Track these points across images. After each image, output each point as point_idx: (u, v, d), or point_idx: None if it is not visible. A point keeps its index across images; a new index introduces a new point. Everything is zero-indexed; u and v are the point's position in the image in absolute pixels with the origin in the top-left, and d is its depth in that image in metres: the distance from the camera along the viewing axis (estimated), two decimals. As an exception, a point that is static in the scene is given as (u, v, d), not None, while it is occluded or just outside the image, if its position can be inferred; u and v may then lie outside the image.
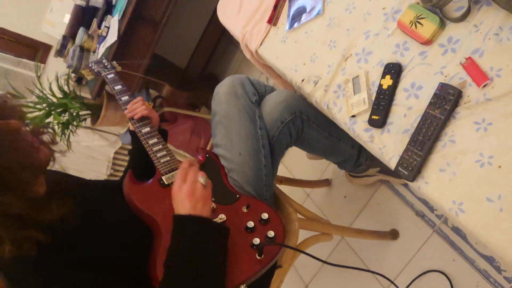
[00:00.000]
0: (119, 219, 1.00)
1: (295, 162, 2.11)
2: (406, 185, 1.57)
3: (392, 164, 0.91)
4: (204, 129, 2.81)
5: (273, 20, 1.36)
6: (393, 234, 1.54)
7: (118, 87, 1.31)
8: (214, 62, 2.93)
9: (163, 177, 1.10)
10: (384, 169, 1.53)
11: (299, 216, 1.28)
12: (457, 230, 1.37)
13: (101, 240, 0.90)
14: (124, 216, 1.02)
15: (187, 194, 0.89)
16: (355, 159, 1.45)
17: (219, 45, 2.79)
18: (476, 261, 1.31)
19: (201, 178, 0.93)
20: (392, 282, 1.25)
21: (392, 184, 1.61)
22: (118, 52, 2.02)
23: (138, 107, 1.22)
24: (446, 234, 1.40)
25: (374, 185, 1.67)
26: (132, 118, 1.21)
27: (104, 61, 1.43)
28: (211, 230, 0.90)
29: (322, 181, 1.87)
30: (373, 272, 1.21)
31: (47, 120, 2.39)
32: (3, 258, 0.75)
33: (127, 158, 3.26)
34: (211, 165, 1.19)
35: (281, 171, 2.01)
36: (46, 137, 0.88)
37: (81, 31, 2.23)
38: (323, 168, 1.93)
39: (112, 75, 1.36)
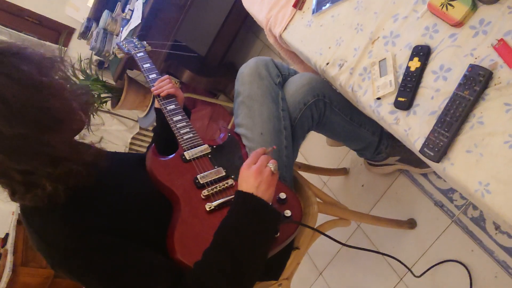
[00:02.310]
0: (140, 190, 1.02)
1: (313, 150, 2.12)
2: (425, 175, 1.56)
3: (417, 146, 0.90)
4: (222, 116, 2.82)
5: (298, 4, 1.36)
6: (411, 223, 1.54)
7: (147, 65, 1.35)
8: (233, 51, 2.94)
9: (185, 153, 1.11)
10: (404, 158, 1.52)
11: (318, 200, 1.28)
12: (476, 221, 1.37)
13: (120, 207, 0.92)
14: (146, 188, 1.04)
15: (254, 173, 0.90)
16: (375, 146, 1.45)
17: (239, 34, 2.79)
18: (495, 252, 1.30)
19: (272, 164, 0.94)
20: (409, 269, 1.25)
21: (411, 174, 1.61)
22: (141, 35, 2.04)
23: (165, 84, 1.25)
24: (465, 225, 1.39)
25: (393, 174, 1.66)
26: (158, 95, 1.24)
27: (134, 40, 1.47)
28: (267, 214, 0.90)
29: (339, 169, 1.87)
30: (389, 256, 1.21)
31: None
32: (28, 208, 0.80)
33: (144, 144, 3.30)
34: (232, 144, 1.20)
35: (298, 158, 2.01)
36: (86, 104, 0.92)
37: (105, 13, 2.25)
38: (341, 157, 1.93)
39: (141, 54, 1.40)
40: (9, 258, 2.74)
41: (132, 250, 0.86)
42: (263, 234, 0.89)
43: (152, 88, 1.26)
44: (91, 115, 0.94)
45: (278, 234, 0.97)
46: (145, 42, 1.48)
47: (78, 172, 0.82)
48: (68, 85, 0.87)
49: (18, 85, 0.75)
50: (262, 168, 0.92)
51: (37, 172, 0.77)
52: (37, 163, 0.77)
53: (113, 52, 1.52)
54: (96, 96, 2.47)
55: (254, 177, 0.90)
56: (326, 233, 1.26)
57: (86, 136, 0.94)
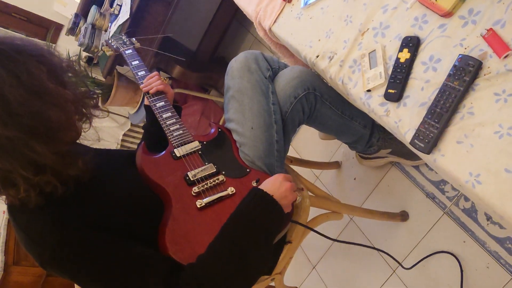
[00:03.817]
0: (131, 188, 1.01)
1: (305, 144, 2.11)
2: (417, 167, 1.56)
3: (407, 137, 0.90)
4: (214, 111, 2.81)
5: (288, -4, 1.35)
6: (403, 216, 1.54)
7: (136, 62, 1.34)
8: (224, 45, 2.91)
9: (175, 150, 1.10)
10: (396, 151, 1.52)
11: (310, 194, 1.28)
12: (468, 212, 1.37)
13: (110, 205, 0.91)
14: (136, 185, 1.03)
15: (287, 187, 0.95)
16: (367, 139, 1.45)
17: (230, 28, 2.77)
18: (487, 243, 1.31)
19: (299, 194, 1.03)
20: (398, 262, 1.25)
21: (402, 166, 1.61)
22: (130, 30, 2.02)
23: (154, 81, 1.23)
24: (457, 216, 1.39)
25: (385, 167, 1.66)
26: (147, 93, 1.22)
27: (123, 37, 1.45)
28: (281, 217, 0.93)
29: (332, 163, 1.87)
30: (380, 251, 1.22)
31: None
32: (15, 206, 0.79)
33: (135, 140, 3.28)
34: (223, 140, 1.19)
35: (290, 152, 2.00)
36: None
37: (93, 9, 2.22)
38: (333, 150, 1.92)
39: (130, 51, 1.38)
40: (1, 257, 2.72)
41: (122, 245, 0.85)
42: (272, 233, 0.91)
43: (141, 86, 1.24)
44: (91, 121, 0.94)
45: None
46: (134, 39, 1.46)
47: (55, 186, 0.80)
48: (76, 92, 0.86)
49: (24, 89, 0.74)
50: (292, 190, 0.96)
51: (15, 173, 0.75)
52: (18, 165, 0.75)
53: (101, 49, 1.49)
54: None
55: (285, 189, 0.94)
56: (319, 226, 1.26)
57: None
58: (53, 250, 0.79)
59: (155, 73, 1.27)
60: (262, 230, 0.88)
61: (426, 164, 1.53)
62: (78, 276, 0.82)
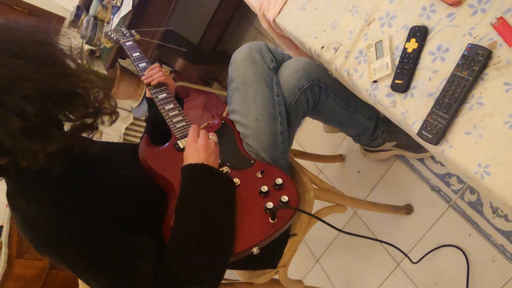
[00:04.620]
0: (131, 179, 1.00)
1: (309, 138, 2.10)
2: (422, 160, 1.55)
3: (414, 129, 0.88)
4: (216, 104, 2.79)
5: (292, -13, 1.33)
6: (408, 209, 1.53)
7: (136, 54, 1.33)
8: (227, 39, 2.90)
9: (178, 142, 1.10)
10: (400, 143, 1.51)
11: (314, 186, 1.27)
12: (473, 205, 1.36)
13: (108, 194, 0.89)
14: (137, 177, 1.03)
15: (203, 145, 0.95)
16: (372, 131, 1.43)
17: (232, 21, 2.75)
18: (492, 236, 1.30)
19: (213, 136, 1.00)
20: (405, 255, 1.24)
21: (407, 159, 1.59)
22: (132, 23, 2.00)
23: (155, 73, 1.22)
24: (462, 209, 1.38)
25: (389, 160, 1.65)
26: (149, 85, 1.21)
27: (122, 29, 1.45)
28: (222, 180, 0.95)
29: (335, 156, 1.86)
30: (386, 243, 1.20)
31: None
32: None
33: (138, 134, 3.27)
34: (226, 131, 1.18)
35: (294, 146, 1.99)
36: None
37: (95, 1, 2.20)
38: (337, 143, 1.91)
39: (130, 43, 1.37)
40: (4, 250, 2.73)
41: (116, 231, 0.83)
42: (224, 199, 0.94)
43: (143, 77, 1.23)
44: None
45: (276, 220, 0.96)
46: (133, 31, 1.45)
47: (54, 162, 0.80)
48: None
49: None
50: (207, 141, 0.97)
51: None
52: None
53: (103, 43, 1.48)
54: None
55: (203, 150, 0.95)
56: (323, 219, 1.25)
57: None
58: (48, 233, 0.78)
59: (156, 64, 1.26)
60: (212, 195, 0.91)
61: (431, 157, 1.52)
62: (72, 260, 0.80)
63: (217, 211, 0.90)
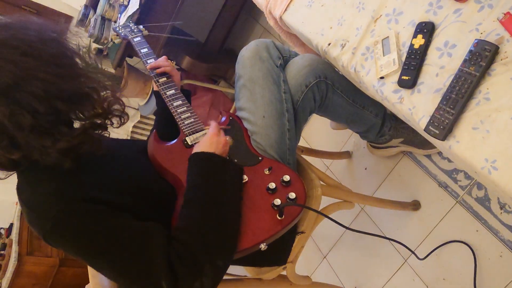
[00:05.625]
0: (139, 175, 1.02)
1: (315, 135, 2.10)
2: (429, 156, 1.55)
3: (422, 125, 0.89)
4: (223, 102, 2.80)
5: (298, -16, 1.34)
6: (415, 205, 1.53)
7: (144, 50, 1.33)
8: (233, 37, 2.90)
9: (187, 138, 1.11)
10: (407, 140, 1.51)
11: (321, 183, 1.27)
12: (481, 201, 1.36)
13: (116, 187, 0.90)
14: (145, 173, 1.04)
15: (223, 141, 1.05)
16: (379, 128, 1.43)
17: (239, 18, 2.75)
18: (500, 232, 1.30)
19: (230, 139, 1.10)
20: (412, 252, 1.25)
21: (414, 156, 1.59)
22: (139, 21, 2.01)
23: (161, 61, 1.24)
24: (470, 205, 1.38)
25: (396, 156, 1.65)
26: (155, 76, 1.22)
27: (130, 25, 1.45)
28: (230, 167, 1.02)
29: (342, 152, 1.86)
30: (393, 240, 1.21)
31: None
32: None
33: (145, 132, 3.29)
34: (234, 128, 1.19)
35: (301, 142, 2.00)
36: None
37: (102, 0, 2.22)
38: (344, 140, 1.91)
39: (138, 38, 1.38)
40: (14, 247, 2.76)
41: (123, 216, 0.85)
42: (232, 186, 0.99)
43: (148, 64, 1.26)
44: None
45: (283, 217, 0.97)
46: (141, 26, 1.45)
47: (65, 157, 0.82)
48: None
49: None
50: (225, 140, 1.06)
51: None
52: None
53: (111, 39, 1.49)
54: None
55: (223, 145, 1.04)
56: (330, 216, 1.26)
57: None
58: (55, 221, 0.78)
59: (163, 57, 1.28)
60: (223, 180, 0.97)
61: (438, 153, 1.52)
62: (80, 248, 0.81)
63: (226, 193, 0.95)
